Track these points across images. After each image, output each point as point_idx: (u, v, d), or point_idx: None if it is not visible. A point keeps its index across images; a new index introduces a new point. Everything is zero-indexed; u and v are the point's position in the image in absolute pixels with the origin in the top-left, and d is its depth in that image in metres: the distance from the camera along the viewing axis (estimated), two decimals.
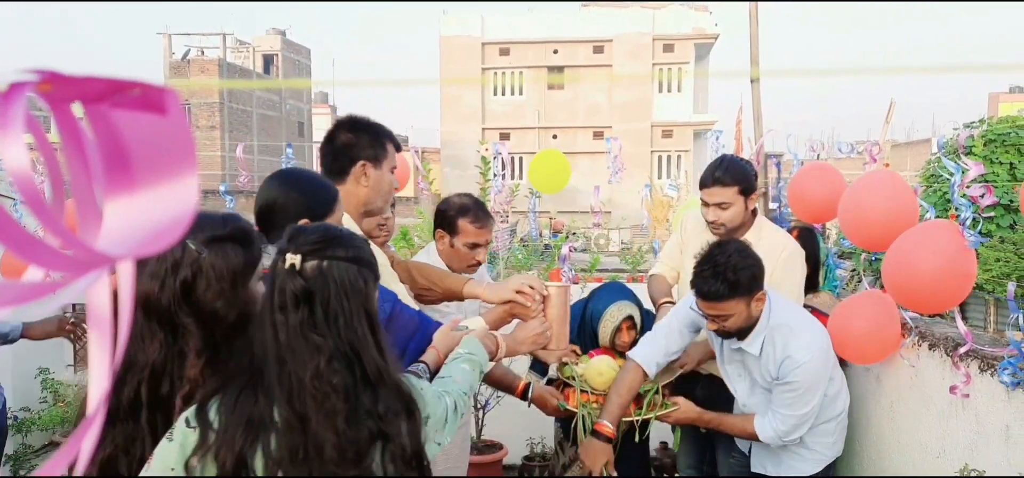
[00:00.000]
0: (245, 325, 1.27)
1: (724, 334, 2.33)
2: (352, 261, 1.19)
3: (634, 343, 2.70)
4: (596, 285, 3.22)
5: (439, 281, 2.18)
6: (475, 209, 2.56)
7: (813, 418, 2.35)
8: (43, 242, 0.26)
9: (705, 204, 2.66)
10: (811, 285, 3.09)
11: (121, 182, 0.28)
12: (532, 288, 1.95)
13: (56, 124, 0.28)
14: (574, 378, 2.65)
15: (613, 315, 2.77)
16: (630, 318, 2.77)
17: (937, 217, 2.57)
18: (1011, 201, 6.53)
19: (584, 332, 2.89)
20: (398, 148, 2.09)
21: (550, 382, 2.79)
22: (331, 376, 1.12)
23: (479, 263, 2.58)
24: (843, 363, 2.95)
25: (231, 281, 1.24)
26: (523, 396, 2.68)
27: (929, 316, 2.63)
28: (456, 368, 1.53)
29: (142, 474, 1.11)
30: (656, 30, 26.60)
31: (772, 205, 4.35)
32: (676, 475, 3.27)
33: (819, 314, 2.96)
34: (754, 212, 2.70)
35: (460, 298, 2.14)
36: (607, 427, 2.43)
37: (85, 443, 0.31)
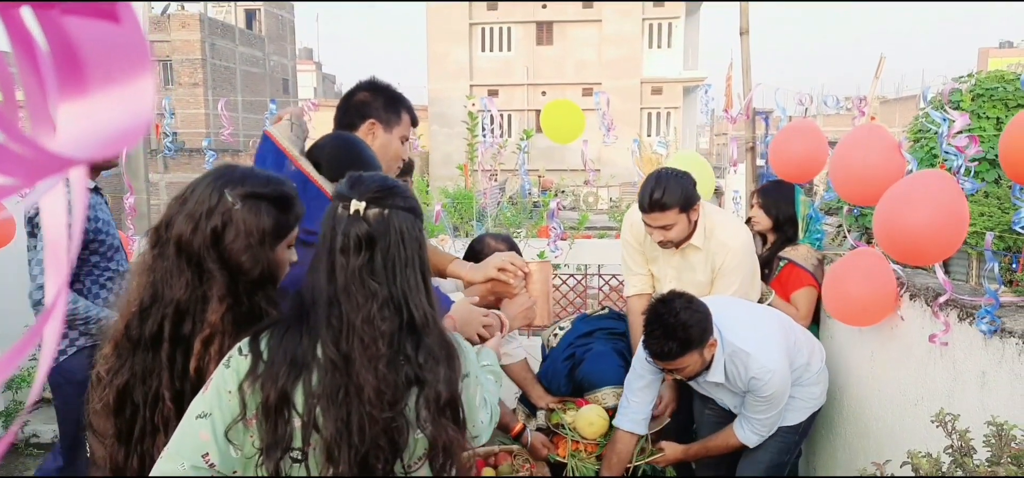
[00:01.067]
0: (266, 284, 1.33)
1: (690, 378, 2.43)
2: (410, 210, 1.25)
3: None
4: (590, 329, 3.17)
5: None
6: (508, 253, 2.51)
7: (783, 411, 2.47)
8: (2, 144, 0.25)
9: (648, 225, 2.66)
10: (788, 240, 3.13)
11: (74, 87, 0.27)
12: (514, 265, 1.97)
13: (5, 29, 0.27)
14: (563, 426, 2.71)
15: (598, 399, 2.80)
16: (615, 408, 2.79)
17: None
18: (997, 155, 6.56)
19: (573, 378, 2.93)
20: (415, 122, 2.11)
21: (540, 429, 2.84)
22: (380, 322, 1.17)
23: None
24: (816, 326, 3.00)
25: (259, 238, 1.28)
26: (517, 438, 2.75)
27: (910, 266, 2.66)
28: (485, 379, 1.57)
29: (201, 395, 1.18)
30: None
31: (759, 161, 4.36)
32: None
33: (797, 267, 3.00)
34: (695, 221, 2.69)
35: (443, 275, 2.15)
36: None
37: (45, 350, 0.31)
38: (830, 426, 2.88)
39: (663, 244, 2.67)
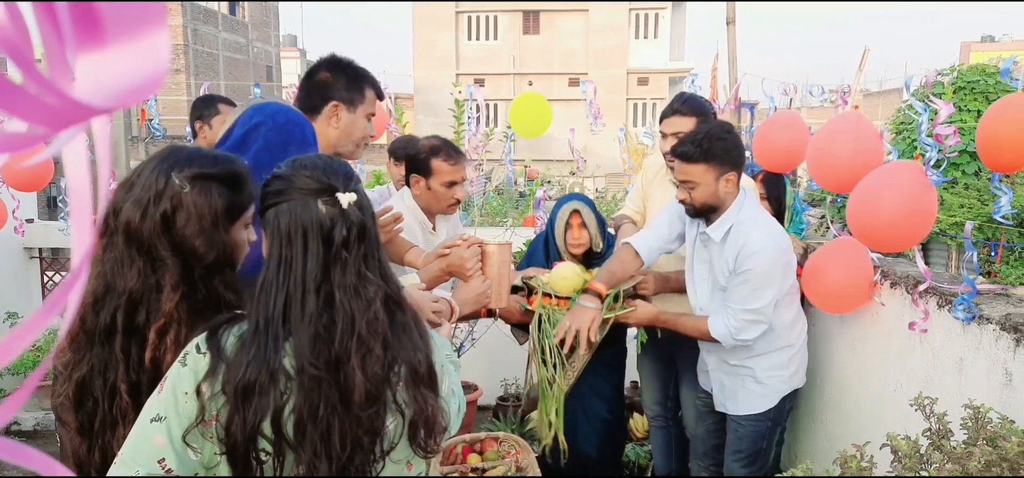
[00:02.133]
0: (223, 267, 1.27)
1: (693, 212, 2.38)
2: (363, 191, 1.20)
3: (585, 242, 2.85)
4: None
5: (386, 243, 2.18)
6: (446, 148, 2.57)
7: (766, 322, 2.37)
8: (27, 91, 0.26)
9: (664, 136, 2.72)
10: None
11: (92, 39, 0.28)
12: (464, 240, 1.97)
13: None
14: (539, 284, 2.73)
15: (563, 214, 2.90)
16: (577, 212, 2.87)
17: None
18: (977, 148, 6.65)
19: (549, 247, 3.01)
20: (380, 96, 2.05)
21: (516, 291, 2.83)
22: (384, 316, 1.12)
23: (459, 202, 2.60)
24: (804, 302, 3.03)
25: (212, 220, 1.23)
26: (490, 314, 2.75)
27: (891, 255, 2.71)
28: (448, 367, 1.54)
29: (156, 395, 1.11)
30: None
31: (745, 153, 4.40)
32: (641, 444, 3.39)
33: None
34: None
35: (401, 262, 2.14)
36: (599, 286, 2.51)
37: (71, 296, 0.31)
38: (811, 412, 2.93)
39: (670, 158, 2.69)
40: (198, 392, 1.08)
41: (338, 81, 1.93)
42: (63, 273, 4.82)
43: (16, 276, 4.65)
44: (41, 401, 4.11)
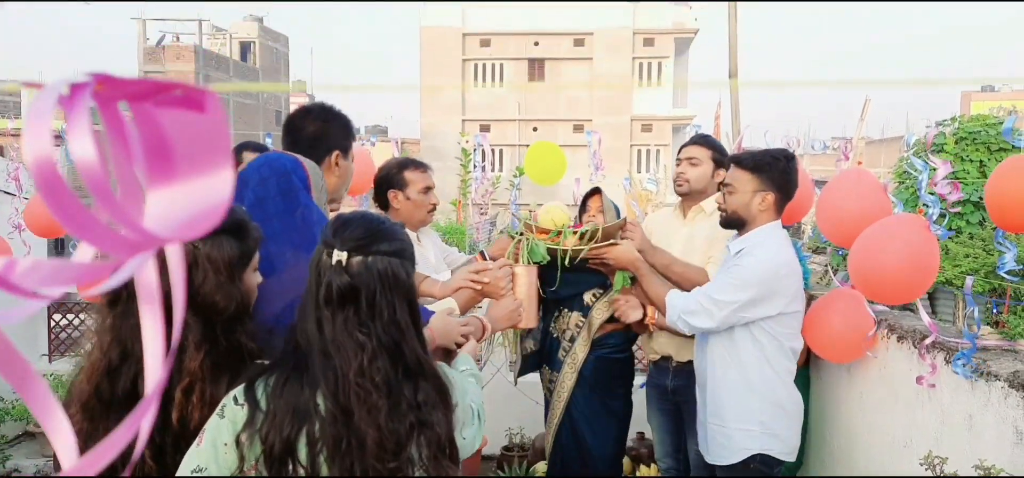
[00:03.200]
0: (243, 317, 1.28)
1: (725, 219, 2.40)
2: (395, 255, 1.21)
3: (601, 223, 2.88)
4: None
5: None
6: (411, 161, 2.77)
7: (716, 325, 2.31)
8: (99, 220, 0.28)
9: (678, 161, 2.86)
10: None
11: (163, 173, 0.30)
12: (495, 263, 2.04)
13: (103, 121, 0.30)
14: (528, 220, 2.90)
15: (586, 196, 3.01)
16: (597, 195, 2.95)
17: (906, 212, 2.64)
18: (981, 198, 6.67)
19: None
20: (353, 137, 2.11)
21: (501, 232, 2.98)
22: (374, 373, 1.14)
23: (435, 206, 2.75)
24: (807, 369, 3.00)
25: (228, 273, 1.25)
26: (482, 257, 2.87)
27: (897, 308, 2.71)
28: (467, 383, 1.56)
29: (194, 448, 1.14)
30: (636, 24, 26.72)
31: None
32: None
33: None
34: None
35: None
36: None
37: (144, 422, 0.33)
38: (821, 467, 2.89)
39: (678, 183, 2.82)
40: (237, 442, 1.12)
41: (337, 131, 1.97)
42: (70, 316, 4.84)
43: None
44: (42, 448, 4.09)
